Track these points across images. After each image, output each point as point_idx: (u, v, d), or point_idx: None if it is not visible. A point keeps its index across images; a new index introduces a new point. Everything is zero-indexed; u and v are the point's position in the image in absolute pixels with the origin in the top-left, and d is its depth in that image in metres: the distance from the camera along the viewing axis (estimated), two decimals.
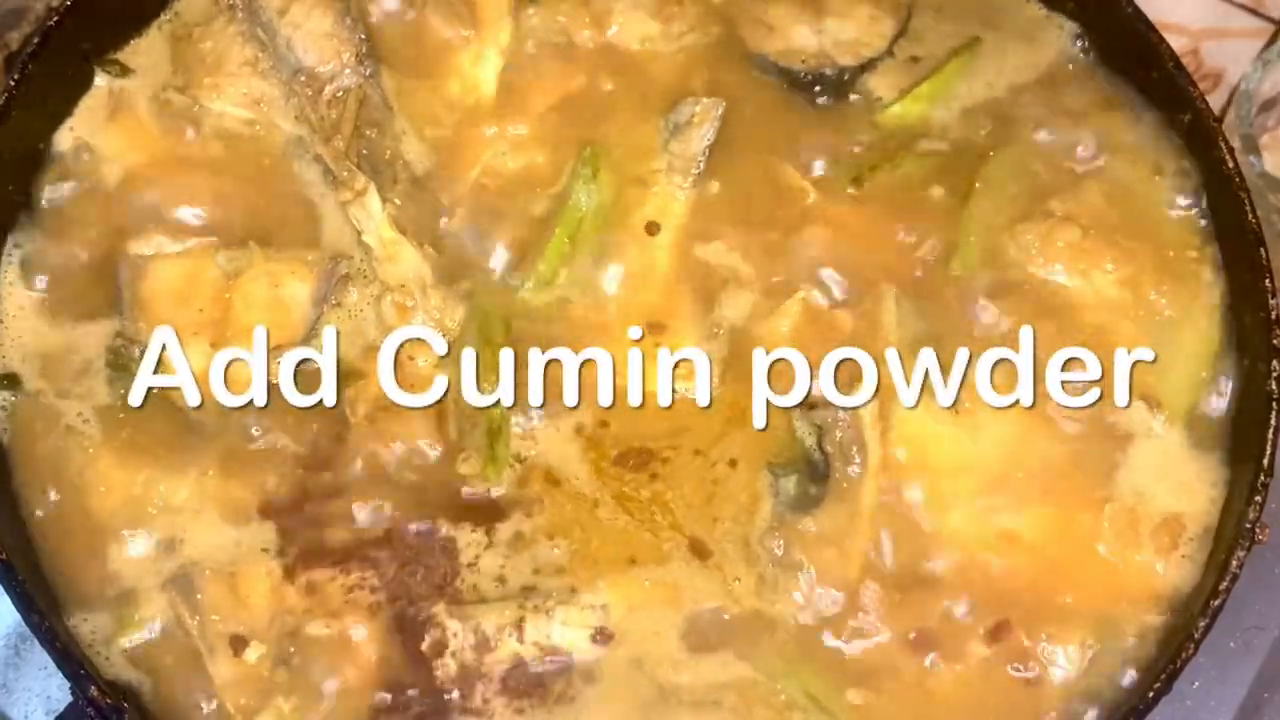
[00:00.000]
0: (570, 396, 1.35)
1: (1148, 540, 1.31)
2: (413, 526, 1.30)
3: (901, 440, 1.33)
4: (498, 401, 1.34)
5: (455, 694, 1.24)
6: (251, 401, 1.34)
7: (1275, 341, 1.31)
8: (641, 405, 1.35)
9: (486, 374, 1.34)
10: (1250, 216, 1.37)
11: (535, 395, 1.34)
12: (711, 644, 1.27)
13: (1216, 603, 1.24)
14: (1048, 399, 1.36)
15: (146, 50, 1.51)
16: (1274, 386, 1.30)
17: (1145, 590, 1.30)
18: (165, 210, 1.42)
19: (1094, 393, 1.36)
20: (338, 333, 1.37)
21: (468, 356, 1.36)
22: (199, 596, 1.25)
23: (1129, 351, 1.38)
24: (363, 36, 1.47)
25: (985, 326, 1.40)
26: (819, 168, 1.47)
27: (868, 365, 1.34)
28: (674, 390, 1.36)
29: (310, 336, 1.37)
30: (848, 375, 1.34)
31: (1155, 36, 1.46)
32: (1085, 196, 1.44)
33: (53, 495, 1.31)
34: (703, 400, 1.36)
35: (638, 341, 1.38)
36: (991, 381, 1.36)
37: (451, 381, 1.35)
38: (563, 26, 1.52)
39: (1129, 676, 1.27)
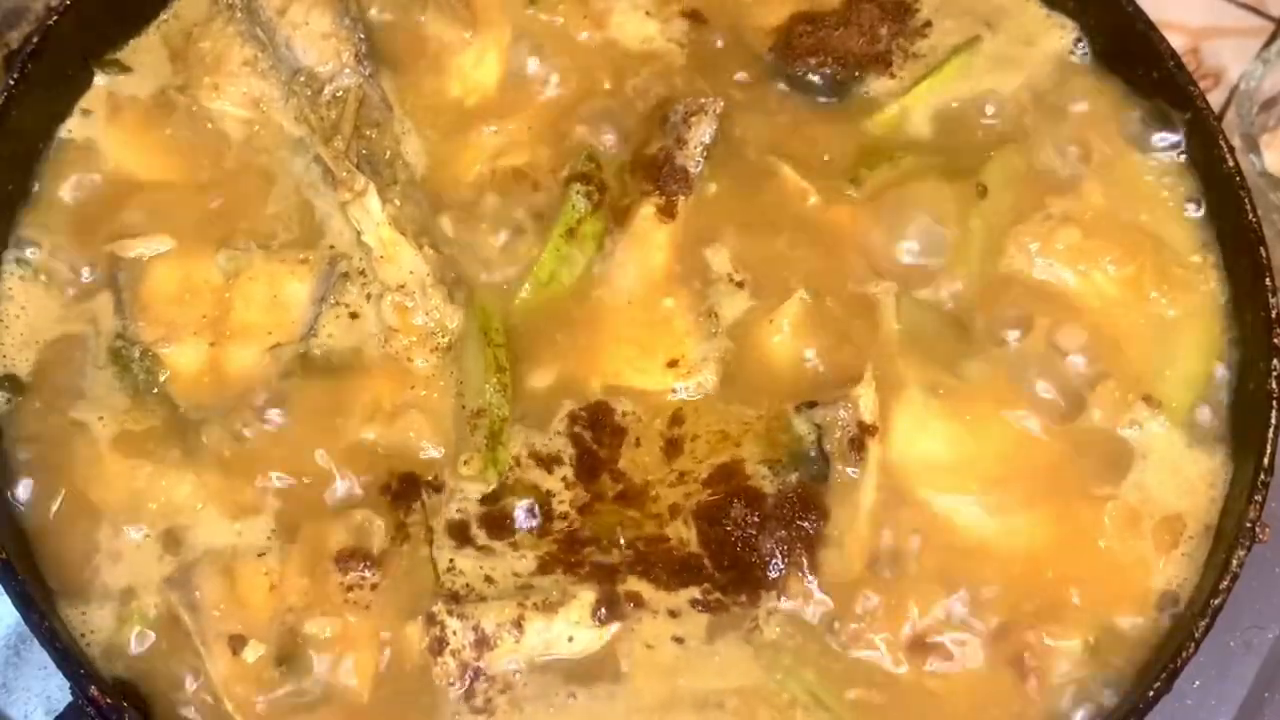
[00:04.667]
0: (567, 402, 1.35)
1: (1149, 539, 1.31)
2: (410, 526, 1.30)
3: (901, 440, 1.33)
4: (498, 403, 1.34)
5: (455, 693, 1.24)
6: (251, 400, 1.34)
7: (1275, 340, 1.31)
8: (639, 405, 1.35)
9: (486, 375, 1.34)
10: (1250, 216, 1.37)
11: (533, 398, 1.35)
12: (714, 646, 1.26)
13: (1216, 602, 1.23)
14: (1048, 398, 1.36)
15: (146, 50, 1.51)
16: (1274, 385, 1.30)
17: (1146, 589, 1.29)
18: (164, 210, 1.43)
19: (1095, 392, 1.36)
20: (337, 333, 1.37)
21: (467, 358, 1.36)
22: (198, 594, 1.25)
23: (1130, 351, 1.38)
24: (362, 36, 1.48)
25: (985, 326, 1.39)
26: (819, 167, 1.46)
27: (868, 365, 1.34)
28: (674, 390, 1.36)
29: (309, 336, 1.37)
30: (848, 375, 1.35)
31: (1155, 35, 1.46)
32: (1085, 196, 1.44)
33: (52, 493, 1.31)
34: (703, 398, 1.36)
35: (636, 343, 1.38)
36: (991, 381, 1.36)
37: (452, 382, 1.36)
38: (562, 26, 1.53)
39: (1129, 676, 1.27)
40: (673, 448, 1.33)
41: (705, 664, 1.25)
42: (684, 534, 1.30)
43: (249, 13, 1.49)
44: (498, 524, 1.30)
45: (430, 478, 1.32)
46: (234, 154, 1.47)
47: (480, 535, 1.30)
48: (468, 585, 1.27)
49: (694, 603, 1.27)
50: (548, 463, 1.33)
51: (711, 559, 1.28)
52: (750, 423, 1.34)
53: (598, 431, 1.34)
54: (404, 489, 1.31)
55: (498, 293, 1.40)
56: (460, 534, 1.29)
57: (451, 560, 1.28)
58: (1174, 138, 1.46)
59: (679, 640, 1.26)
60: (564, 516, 1.31)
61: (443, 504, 1.31)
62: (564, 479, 1.32)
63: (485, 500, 1.31)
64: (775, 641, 1.26)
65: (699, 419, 1.35)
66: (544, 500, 1.31)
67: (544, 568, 1.28)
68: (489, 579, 1.27)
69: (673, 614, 1.27)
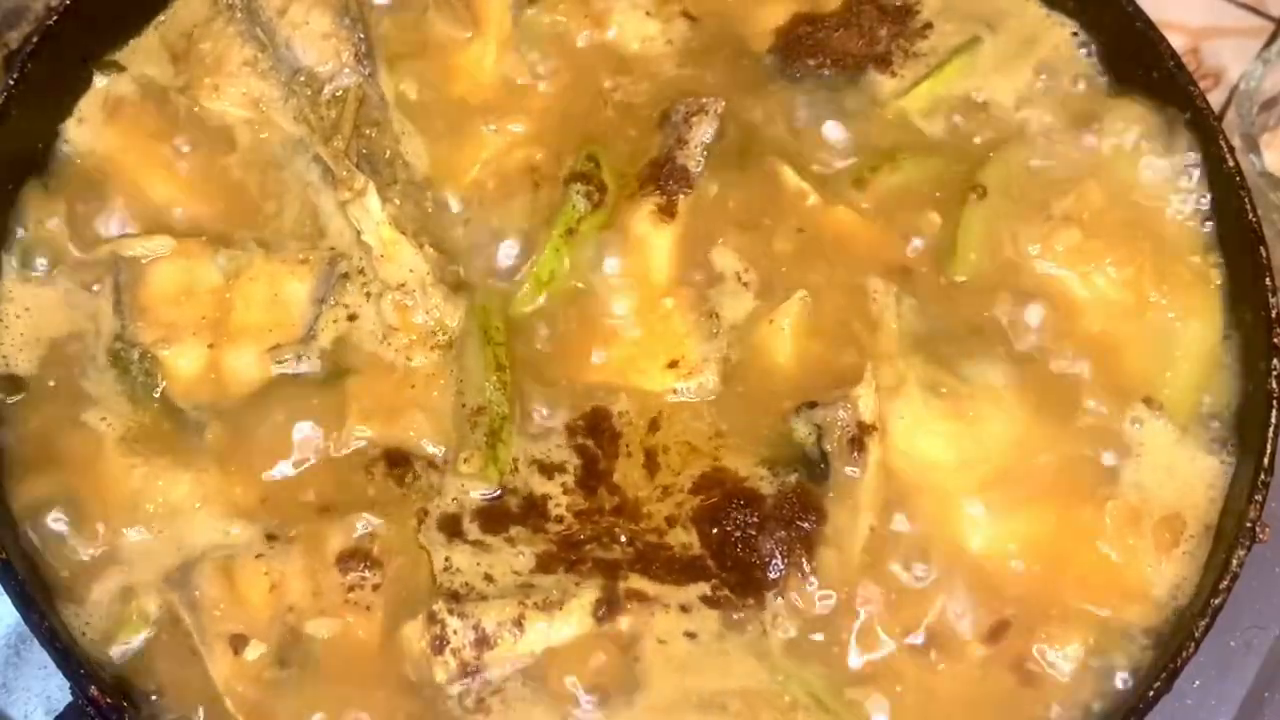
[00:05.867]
0: (568, 406, 1.36)
1: (1149, 538, 1.31)
2: (410, 524, 1.30)
3: (901, 440, 1.33)
4: (498, 401, 1.34)
5: (456, 692, 1.24)
6: (251, 400, 1.34)
7: (1275, 340, 1.31)
8: (633, 406, 1.35)
9: (487, 373, 1.34)
10: (1250, 216, 1.37)
11: (532, 399, 1.35)
12: (725, 644, 1.26)
13: (1217, 602, 1.24)
14: (1048, 398, 1.36)
15: (145, 51, 1.51)
16: (1274, 385, 1.30)
17: (1146, 588, 1.29)
18: (164, 211, 1.43)
19: (1095, 392, 1.36)
20: (337, 332, 1.37)
21: (468, 356, 1.36)
22: (197, 594, 1.25)
23: (1130, 351, 1.38)
24: (361, 36, 1.48)
25: (985, 327, 1.39)
26: (819, 168, 1.46)
27: (868, 365, 1.34)
28: (674, 391, 1.36)
29: (310, 336, 1.37)
30: (848, 375, 1.34)
31: (1155, 35, 1.46)
32: (1086, 197, 1.44)
33: (52, 493, 1.30)
34: (704, 399, 1.36)
35: (636, 343, 1.38)
36: (992, 381, 1.36)
37: (452, 381, 1.36)
38: (562, 26, 1.53)
39: (1129, 675, 1.27)
40: (650, 460, 1.33)
41: (714, 662, 1.25)
42: (685, 539, 1.30)
43: (249, 13, 1.49)
44: (492, 519, 1.30)
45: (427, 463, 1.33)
46: (234, 154, 1.46)
47: (473, 530, 1.30)
48: (467, 584, 1.26)
49: (704, 599, 1.27)
50: (549, 470, 1.33)
51: (714, 559, 1.29)
52: (722, 435, 1.34)
53: (598, 437, 1.34)
54: (397, 470, 1.32)
55: (498, 291, 1.40)
56: (452, 527, 1.29)
57: (448, 558, 1.28)
58: (1173, 137, 1.46)
59: (691, 636, 1.26)
60: (559, 520, 1.31)
61: (436, 497, 1.31)
62: (563, 485, 1.32)
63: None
64: (778, 642, 1.26)
65: (670, 429, 1.35)
66: (539, 502, 1.31)
67: (544, 565, 1.28)
68: (488, 577, 1.27)
69: (684, 609, 1.26)
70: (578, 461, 1.33)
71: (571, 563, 1.28)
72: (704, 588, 1.27)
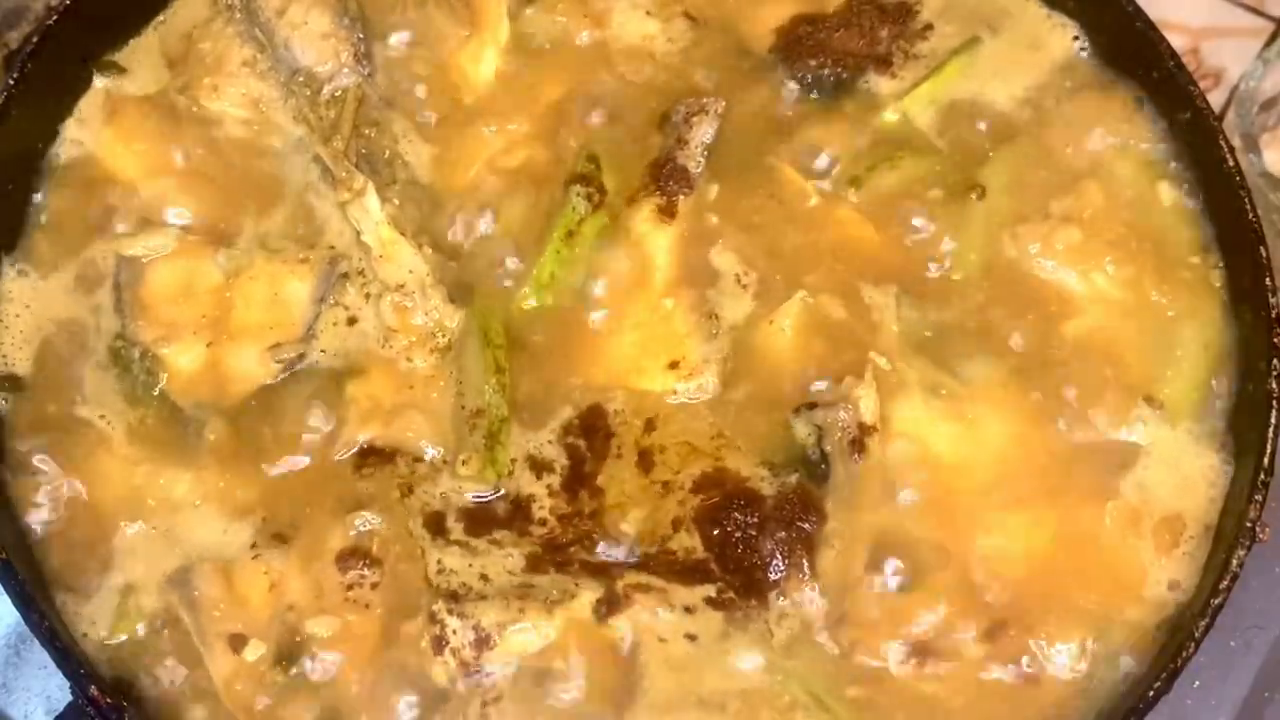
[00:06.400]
0: (566, 405, 1.35)
1: (1149, 538, 1.31)
2: (409, 525, 1.30)
3: (901, 440, 1.33)
4: (498, 403, 1.34)
5: (455, 691, 1.24)
6: (250, 399, 1.34)
7: (1275, 340, 1.31)
8: (629, 407, 1.35)
9: (486, 375, 1.34)
10: (1250, 215, 1.37)
11: (532, 400, 1.35)
12: (716, 647, 1.26)
13: (1217, 602, 1.23)
14: (1048, 398, 1.36)
15: (145, 51, 1.51)
16: (1274, 385, 1.30)
17: (1145, 588, 1.29)
18: (164, 210, 1.43)
19: (1095, 392, 1.36)
20: (337, 333, 1.37)
21: (467, 358, 1.36)
22: (197, 594, 1.25)
23: (1131, 351, 1.38)
24: (360, 36, 1.48)
25: (985, 327, 1.39)
26: (819, 168, 1.46)
27: (868, 365, 1.34)
28: (675, 392, 1.36)
29: (309, 335, 1.37)
30: (848, 375, 1.34)
31: (1155, 35, 1.46)
32: (1085, 197, 1.44)
33: (52, 492, 1.31)
34: (704, 400, 1.36)
35: (636, 344, 1.38)
36: (992, 381, 1.36)
37: (451, 382, 1.36)
38: (562, 25, 1.53)
39: (1128, 676, 1.27)
40: (645, 460, 1.33)
41: (715, 662, 1.25)
42: (688, 543, 1.30)
43: (248, 13, 1.49)
44: (477, 521, 1.30)
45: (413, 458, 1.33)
46: (233, 154, 1.46)
47: (457, 530, 1.30)
48: (465, 584, 1.26)
49: (709, 600, 1.27)
50: (538, 468, 1.33)
51: (717, 562, 1.28)
52: (724, 435, 1.34)
53: (591, 438, 1.34)
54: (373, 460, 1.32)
55: (497, 293, 1.40)
56: (436, 525, 1.29)
57: (440, 560, 1.28)
58: (1173, 137, 1.46)
59: (692, 638, 1.26)
60: (543, 523, 1.31)
61: (425, 483, 1.31)
62: (549, 486, 1.32)
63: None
64: (778, 642, 1.26)
65: (666, 429, 1.34)
66: (525, 504, 1.31)
67: (534, 566, 1.28)
68: (484, 577, 1.27)
69: (688, 609, 1.26)
70: (566, 461, 1.33)
71: (559, 565, 1.28)
72: (709, 590, 1.27)
